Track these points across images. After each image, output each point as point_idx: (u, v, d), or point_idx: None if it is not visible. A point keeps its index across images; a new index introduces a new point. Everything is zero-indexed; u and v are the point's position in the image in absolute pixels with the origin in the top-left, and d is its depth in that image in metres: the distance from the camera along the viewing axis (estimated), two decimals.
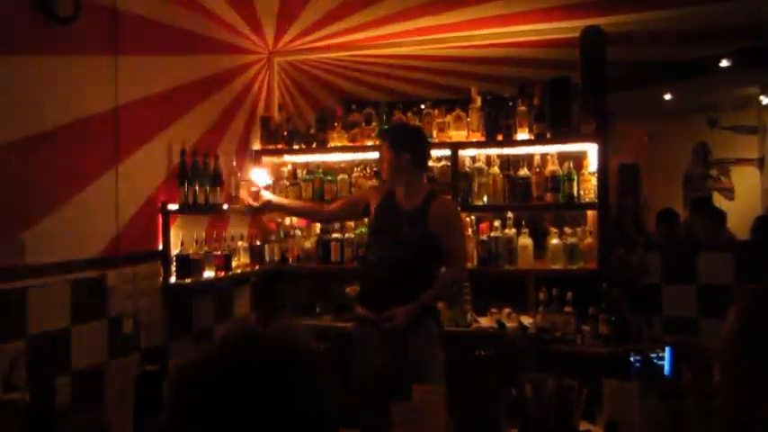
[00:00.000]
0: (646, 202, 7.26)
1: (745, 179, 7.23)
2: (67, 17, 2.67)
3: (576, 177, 3.90)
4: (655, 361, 1.53)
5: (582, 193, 3.90)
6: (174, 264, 3.41)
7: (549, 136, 3.92)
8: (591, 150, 3.94)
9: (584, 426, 2.16)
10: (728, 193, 7.25)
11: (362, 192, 3.89)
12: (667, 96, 6.38)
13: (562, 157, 3.97)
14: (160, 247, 3.37)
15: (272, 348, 0.90)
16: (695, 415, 1.75)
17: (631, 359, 1.60)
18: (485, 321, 3.97)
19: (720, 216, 5.66)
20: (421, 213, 3.19)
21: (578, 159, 3.99)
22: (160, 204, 3.36)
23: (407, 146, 3.24)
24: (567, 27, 3.94)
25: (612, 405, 2.18)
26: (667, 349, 1.54)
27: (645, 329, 3.81)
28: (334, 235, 4.31)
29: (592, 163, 3.92)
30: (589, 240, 3.90)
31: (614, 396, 2.18)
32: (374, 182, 4.17)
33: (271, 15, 3.75)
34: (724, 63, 4.92)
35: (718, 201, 6.99)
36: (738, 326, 1.19)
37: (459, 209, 3.67)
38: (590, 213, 4.06)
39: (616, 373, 2.31)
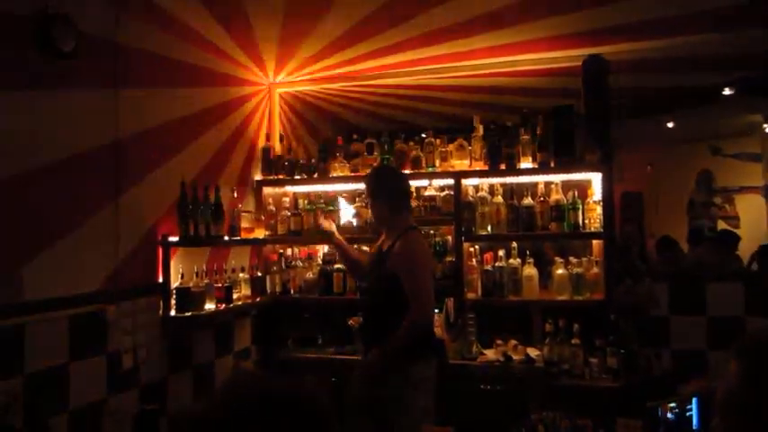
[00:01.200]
0: (648, 230, 7.22)
1: (749, 207, 7.19)
2: (68, 52, 2.66)
3: (580, 206, 3.85)
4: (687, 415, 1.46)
5: (587, 222, 3.84)
6: (174, 297, 3.36)
7: (552, 164, 3.88)
8: (595, 179, 3.90)
9: None
10: (734, 221, 7.20)
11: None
12: (670, 125, 6.38)
13: (566, 186, 3.92)
14: (160, 279, 3.33)
15: (275, 406, 0.85)
16: None
17: (668, 415, 1.51)
18: (490, 353, 3.89)
19: (731, 239, 5.61)
20: (384, 255, 3.22)
21: (582, 188, 3.95)
22: (160, 237, 3.33)
23: (379, 191, 3.31)
24: (569, 56, 3.94)
25: None
26: (694, 401, 1.46)
27: (654, 362, 3.74)
28: (336, 266, 4.26)
29: (596, 192, 3.87)
30: (595, 270, 3.83)
31: None
32: None
33: (272, 47, 3.76)
34: (726, 92, 4.92)
35: None
36: (739, 383, 1.15)
37: (419, 246, 3.26)
38: (595, 243, 3.99)
39: (628, 409, 2.25)
